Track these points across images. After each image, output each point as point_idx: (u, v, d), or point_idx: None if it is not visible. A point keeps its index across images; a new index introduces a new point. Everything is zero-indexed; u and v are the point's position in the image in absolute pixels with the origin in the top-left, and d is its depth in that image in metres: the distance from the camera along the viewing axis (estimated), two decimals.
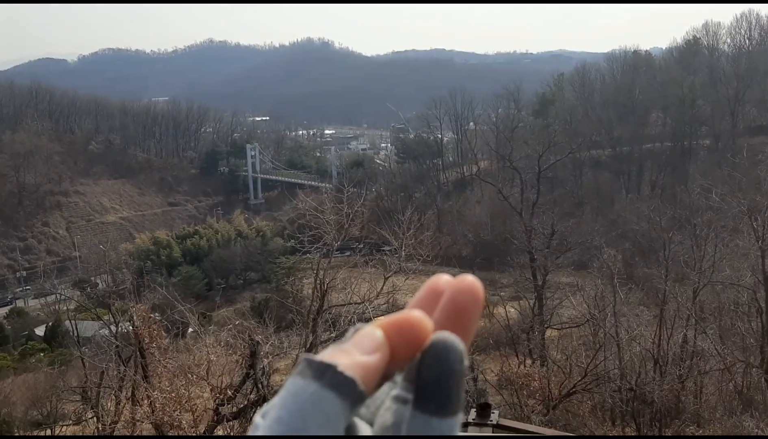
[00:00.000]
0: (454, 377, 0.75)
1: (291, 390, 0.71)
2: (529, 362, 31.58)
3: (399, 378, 0.80)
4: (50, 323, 64.67)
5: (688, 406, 26.29)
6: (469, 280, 0.81)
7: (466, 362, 0.76)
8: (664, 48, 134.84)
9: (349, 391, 0.72)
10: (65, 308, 58.47)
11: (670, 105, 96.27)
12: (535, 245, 41.28)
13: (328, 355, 0.75)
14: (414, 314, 0.80)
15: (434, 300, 0.82)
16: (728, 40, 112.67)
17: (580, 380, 25.42)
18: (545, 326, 35.55)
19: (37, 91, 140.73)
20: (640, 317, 30.31)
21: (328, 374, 0.72)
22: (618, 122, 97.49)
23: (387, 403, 0.78)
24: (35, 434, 30.04)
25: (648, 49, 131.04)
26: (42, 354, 57.04)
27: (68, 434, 28.29)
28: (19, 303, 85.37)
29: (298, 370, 0.73)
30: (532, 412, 24.35)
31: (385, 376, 0.78)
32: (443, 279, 0.84)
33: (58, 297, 64.97)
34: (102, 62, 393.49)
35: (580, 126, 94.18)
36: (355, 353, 0.76)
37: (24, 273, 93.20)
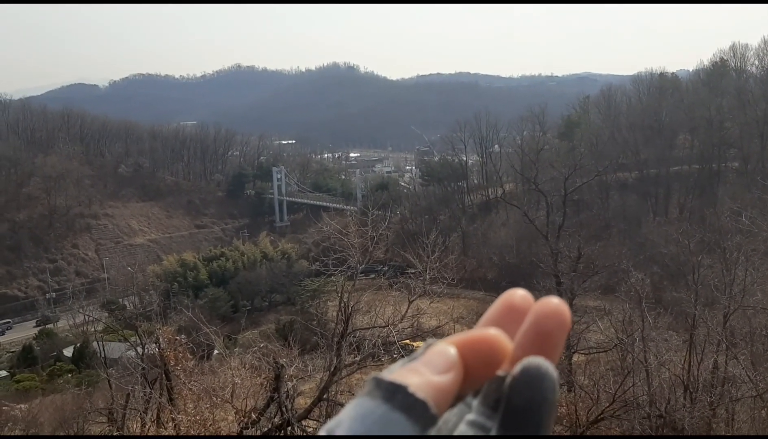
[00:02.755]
0: (546, 405, 0.71)
1: (359, 411, 0.68)
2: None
3: (474, 402, 0.76)
4: (78, 344, 65.43)
5: (720, 433, 25.69)
6: (555, 303, 0.76)
7: (558, 392, 0.73)
8: (690, 70, 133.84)
9: (420, 414, 0.68)
10: (93, 329, 59.17)
11: (698, 127, 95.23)
12: (561, 269, 40.90)
13: (398, 374, 0.71)
14: (491, 332, 0.76)
15: (509, 318, 0.78)
16: (756, 62, 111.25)
17: (608, 407, 24.99)
18: (572, 350, 35.06)
19: (69, 115, 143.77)
20: (669, 342, 29.74)
21: (398, 396, 0.68)
22: (644, 145, 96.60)
23: (462, 427, 0.74)
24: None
25: (674, 71, 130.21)
26: (70, 375, 57.73)
27: None
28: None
29: (366, 390, 0.70)
30: (564, 437, 24.00)
31: (457, 397, 0.74)
32: (519, 295, 0.81)
33: (87, 318, 65.84)
34: (132, 87, 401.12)
35: (606, 148, 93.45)
36: (426, 372, 0.72)
37: (54, 294, 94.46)
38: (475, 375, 0.74)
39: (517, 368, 0.72)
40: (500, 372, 0.74)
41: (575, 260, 41.13)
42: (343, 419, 0.68)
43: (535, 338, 0.74)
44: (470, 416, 0.74)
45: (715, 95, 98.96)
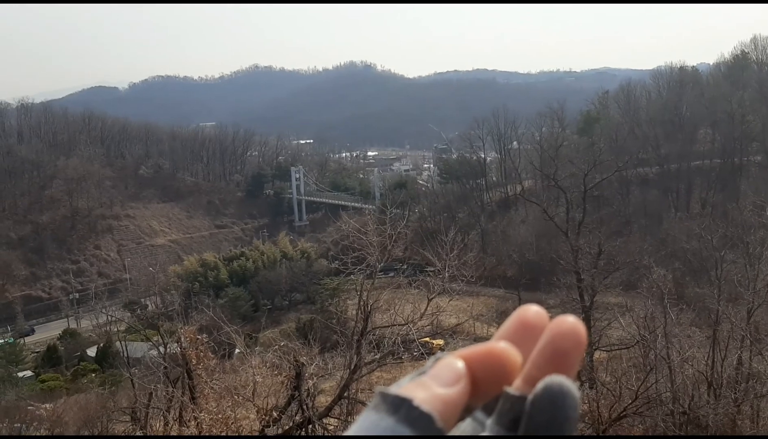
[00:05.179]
0: (568, 424, 0.71)
1: (364, 425, 0.68)
2: (577, 384, 30.94)
3: (488, 421, 0.76)
4: (101, 344, 66.11)
5: (745, 430, 25.38)
6: (571, 322, 0.76)
7: (580, 411, 0.72)
8: (711, 63, 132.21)
9: (425, 427, 0.68)
10: (116, 329, 59.77)
11: (719, 121, 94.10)
12: (581, 265, 40.60)
13: (405, 388, 0.71)
14: (500, 345, 0.76)
15: (523, 334, 0.78)
16: None
17: (630, 404, 24.79)
18: (593, 347, 34.86)
19: (90, 118, 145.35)
20: (692, 338, 29.47)
21: (403, 409, 0.68)
22: (665, 139, 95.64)
23: None
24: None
25: (695, 65, 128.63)
26: (93, 375, 58.35)
27: None
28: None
29: (372, 403, 0.70)
30: (581, 436, 23.84)
31: (466, 409, 0.74)
32: (533, 311, 0.80)
33: (110, 318, 66.54)
34: (152, 89, 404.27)
35: (626, 144, 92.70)
36: (433, 385, 0.72)
37: (77, 295, 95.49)
38: (484, 388, 0.74)
39: (539, 387, 0.72)
40: (513, 391, 0.74)
41: (596, 256, 40.82)
42: (350, 433, 0.69)
43: (552, 358, 0.74)
44: (485, 435, 0.74)
45: (737, 88, 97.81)
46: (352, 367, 19.46)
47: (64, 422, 34.44)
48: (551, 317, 0.79)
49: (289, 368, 18.74)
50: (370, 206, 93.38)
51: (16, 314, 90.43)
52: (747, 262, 32.28)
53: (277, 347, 20.85)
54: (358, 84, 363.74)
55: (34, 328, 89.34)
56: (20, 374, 63.19)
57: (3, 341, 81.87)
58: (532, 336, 0.78)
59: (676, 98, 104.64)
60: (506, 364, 0.74)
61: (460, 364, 0.74)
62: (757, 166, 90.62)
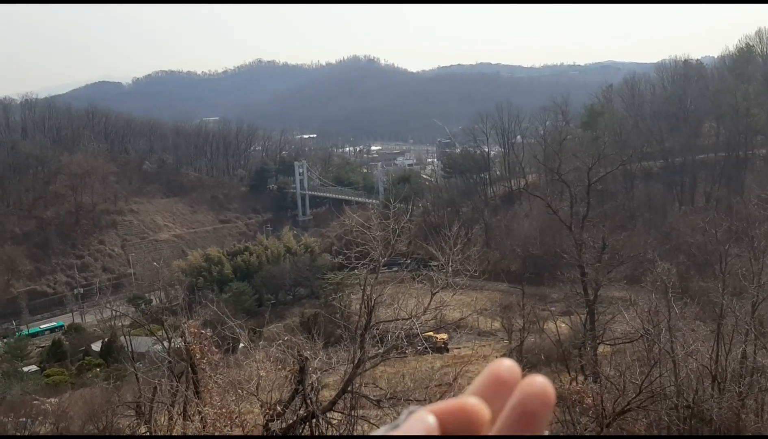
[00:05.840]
0: None
1: None
2: (581, 378, 30.96)
3: None
4: (106, 339, 66.31)
5: (749, 424, 25.35)
6: (540, 383, 0.79)
7: None
8: (716, 57, 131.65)
9: None
10: (120, 324, 59.90)
11: (724, 114, 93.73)
12: (585, 259, 40.55)
13: None
14: (470, 400, 0.79)
15: (495, 390, 0.82)
16: None
17: (634, 397, 24.76)
18: (597, 341, 34.86)
19: (94, 113, 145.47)
20: (697, 332, 29.38)
21: None
22: (669, 133, 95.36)
23: None
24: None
25: (699, 58, 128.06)
26: (98, 369, 58.56)
27: None
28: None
29: None
30: (585, 430, 23.84)
31: None
32: (506, 367, 0.83)
33: (114, 313, 66.76)
34: (155, 84, 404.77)
35: (630, 137, 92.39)
36: None
37: (81, 290, 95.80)
38: None
39: None
40: None
41: (600, 250, 40.76)
42: None
43: (521, 418, 0.78)
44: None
45: (741, 82, 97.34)
46: (356, 361, 19.45)
47: (69, 416, 34.58)
48: (524, 374, 0.83)
49: (293, 362, 18.75)
50: (374, 201, 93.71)
51: (21, 309, 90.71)
52: (751, 255, 32.19)
53: (281, 341, 20.84)
54: (361, 78, 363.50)
55: (22, 327, 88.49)
56: (25, 369, 63.49)
57: (52, 325, 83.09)
58: (504, 392, 0.81)
59: (681, 92, 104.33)
60: (475, 420, 0.77)
61: (431, 419, 0.77)
62: (761, 159, 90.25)
